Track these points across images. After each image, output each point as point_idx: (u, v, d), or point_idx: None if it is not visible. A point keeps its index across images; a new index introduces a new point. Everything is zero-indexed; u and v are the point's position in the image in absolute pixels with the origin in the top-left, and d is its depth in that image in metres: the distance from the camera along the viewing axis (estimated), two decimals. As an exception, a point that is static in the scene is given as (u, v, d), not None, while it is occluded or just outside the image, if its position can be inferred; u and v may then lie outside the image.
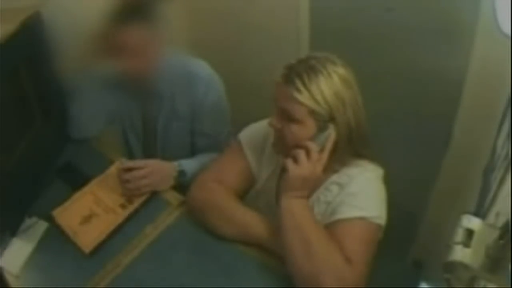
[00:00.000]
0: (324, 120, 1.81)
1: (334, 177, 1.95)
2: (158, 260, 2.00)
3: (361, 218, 1.82)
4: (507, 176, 1.52)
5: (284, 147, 1.89)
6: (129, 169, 2.23)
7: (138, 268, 1.99)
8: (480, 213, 1.60)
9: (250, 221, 1.97)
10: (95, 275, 1.96)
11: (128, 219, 2.17)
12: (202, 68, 2.48)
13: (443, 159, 2.81)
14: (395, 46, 2.74)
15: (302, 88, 1.76)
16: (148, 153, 2.67)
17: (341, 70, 1.81)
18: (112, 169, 2.37)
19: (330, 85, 1.78)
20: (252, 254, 1.97)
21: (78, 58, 2.32)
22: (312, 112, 1.79)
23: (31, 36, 2.18)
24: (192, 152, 2.59)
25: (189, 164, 2.39)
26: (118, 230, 2.14)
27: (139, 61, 2.24)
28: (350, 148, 1.90)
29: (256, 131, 2.17)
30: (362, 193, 1.89)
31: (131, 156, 2.73)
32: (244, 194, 2.16)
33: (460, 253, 1.21)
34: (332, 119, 1.80)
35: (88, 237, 2.09)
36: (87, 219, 2.17)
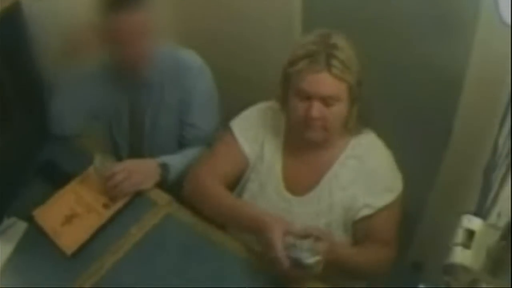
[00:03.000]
0: (356, 88, 1.92)
1: (348, 150, 2.07)
2: (143, 262, 2.00)
3: (392, 201, 2.01)
4: (509, 175, 1.52)
5: (326, 132, 1.97)
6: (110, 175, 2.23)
7: (122, 270, 1.99)
8: (481, 213, 1.59)
9: (239, 203, 2.12)
10: (77, 277, 1.96)
11: (112, 219, 2.17)
12: (193, 58, 2.51)
13: (443, 157, 2.81)
14: (393, 37, 2.72)
15: (342, 67, 1.85)
16: (135, 149, 2.68)
17: (347, 41, 1.93)
18: (94, 167, 2.36)
19: (354, 56, 1.89)
20: (241, 256, 1.99)
21: (62, 51, 2.31)
22: (350, 87, 1.89)
23: (10, 28, 2.16)
24: (180, 145, 2.60)
25: (172, 159, 2.40)
26: (101, 230, 2.13)
27: (131, 48, 2.24)
28: (362, 115, 2.04)
29: (249, 117, 2.23)
30: (382, 167, 2.05)
31: (117, 152, 2.74)
32: (239, 180, 2.22)
33: (460, 255, 1.21)
34: (359, 84, 1.92)
35: (70, 238, 2.09)
36: (69, 219, 2.17)
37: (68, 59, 2.33)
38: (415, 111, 2.83)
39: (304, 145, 2.06)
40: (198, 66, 2.49)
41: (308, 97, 1.89)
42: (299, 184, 2.10)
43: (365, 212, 2.01)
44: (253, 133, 2.18)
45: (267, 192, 2.13)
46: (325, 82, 1.86)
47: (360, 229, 2.05)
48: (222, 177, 2.14)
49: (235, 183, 2.22)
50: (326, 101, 1.88)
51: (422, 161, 2.79)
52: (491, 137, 2.05)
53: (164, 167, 2.34)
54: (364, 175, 2.03)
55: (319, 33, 1.93)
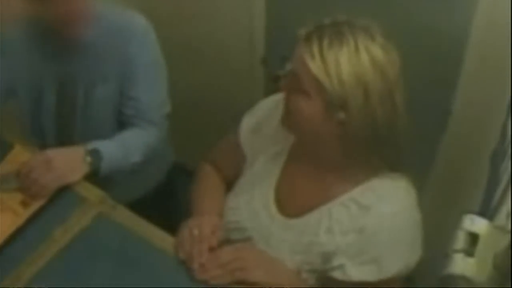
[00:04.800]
0: (334, 104, 1.77)
1: (355, 192, 1.94)
2: (69, 272, 1.97)
3: (376, 282, 1.87)
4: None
5: (288, 120, 1.92)
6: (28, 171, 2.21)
7: (44, 282, 1.95)
8: (486, 212, 1.58)
9: (200, 193, 2.28)
10: (-12, 292, 1.93)
11: (31, 220, 2.13)
12: (136, 21, 2.49)
13: (440, 142, 2.81)
14: (386, 1, 2.73)
15: (316, 53, 1.74)
16: (64, 132, 2.65)
17: (376, 50, 1.76)
18: (11, 157, 2.35)
19: (353, 63, 1.73)
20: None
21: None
22: (321, 88, 1.76)
23: None
24: (119, 123, 2.59)
25: (106, 144, 2.37)
26: (18, 234, 2.10)
27: (63, 4, 2.21)
28: (377, 154, 1.90)
29: (262, 107, 2.23)
30: (386, 232, 1.89)
31: (41, 137, 2.70)
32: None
33: (461, 264, 1.22)
34: (343, 106, 1.76)
35: (-21, 244, 2.06)
36: (-22, 220, 2.13)
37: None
38: (407, 86, 2.83)
39: (310, 159, 2.02)
40: (143, 30, 2.48)
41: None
42: (290, 203, 2.07)
43: (337, 274, 1.92)
44: (257, 125, 2.19)
45: (254, 197, 2.13)
46: (298, 56, 1.80)
47: None
48: (223, 173, 2.33)
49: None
50: (295, 81, 1.81)
51: (414, 149, 2.79)
52: (499, 119, 2.03)
53: (94, 154, 2.31)
54: (359, 230, 1.91)
55: (353, 19, 1.83)
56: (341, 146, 1.87)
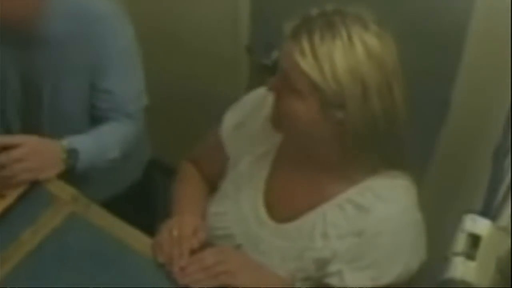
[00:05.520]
0: (331, 104, 1.75)
1: (352, 193, 1.93)
2: (39, 277, 1.96)
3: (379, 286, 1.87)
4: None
5: (279, 121, 1.90)
6: (4, 149, 2.17)
7: (12, 286, 1.94)
8: (489, 212, 1.58)
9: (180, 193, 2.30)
10: (-49, 297, 1.92)
11: (-2, 220, 2.12)
12: (107, 6, 2.46)
13: (439, 137, 2.81)
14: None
15: (307, 50, 1.71)
16: (30, 124, 2.64)
17: (371, 40, 1.73)
18: None
19: (348, 57, 1.71)
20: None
21: None
22: (315, 87, 1.74)
23: None
24: (92, 118, 2.57)
25: (82, 142, 2.35)
26: (-17, 235, 2.08)
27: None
28: (376, 151, 1.89)
29: (245, 102, 2.21)
30: (386, 236, 1.88)
31: (7, 130, 2.68)
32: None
33: (462, 268, 1.21)
34: (340, 104, 1.75)
35: None
36: None
37: None
38: (404, 76, 2.83)
39: (302, 158, 2.00)
40: (114, 16, 2.46)
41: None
42: (280, 206, 2.06)
43: (334, 281, 1.92)
44: (241, 122, 2.17)
45: (241, 201, 2.11)
46: (287, 54, 1.78)
47: None
48: (205, 172, 2.34)
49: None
50: (286, 81, 1.79)
51: (410, 144, 2.79)
52: (501, 112, 2.04)
53: (72, 154, 2.30)
54: (357, 233, 1.90)
55: (343, 7, 1.80)
56: (339, 145, 1.86)
